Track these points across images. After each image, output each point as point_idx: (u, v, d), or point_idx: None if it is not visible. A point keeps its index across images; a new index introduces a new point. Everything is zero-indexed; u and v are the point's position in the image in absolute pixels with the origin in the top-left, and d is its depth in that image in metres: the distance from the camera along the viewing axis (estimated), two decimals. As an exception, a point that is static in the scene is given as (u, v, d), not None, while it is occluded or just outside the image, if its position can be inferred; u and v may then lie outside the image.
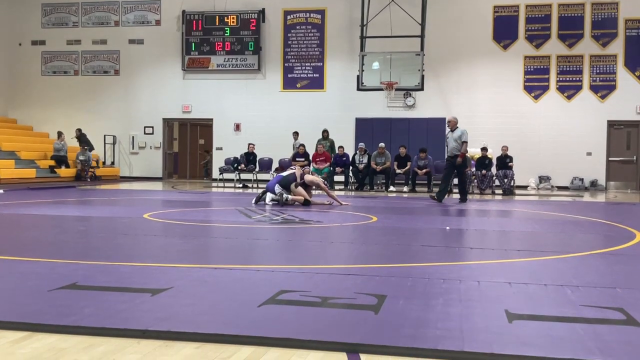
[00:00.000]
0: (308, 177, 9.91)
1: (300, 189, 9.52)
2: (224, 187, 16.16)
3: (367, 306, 2.88)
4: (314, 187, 10.04)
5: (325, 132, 16.46)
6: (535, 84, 17.70)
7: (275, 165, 16.98)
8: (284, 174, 9.91)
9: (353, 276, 3.68)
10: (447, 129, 11.40)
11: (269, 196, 9.53)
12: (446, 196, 11.37)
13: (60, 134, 18.34)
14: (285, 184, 9.49)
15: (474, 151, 15.95)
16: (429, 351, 2.27)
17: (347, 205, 9.56)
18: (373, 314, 2.75)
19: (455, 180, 12.20)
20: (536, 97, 17.70)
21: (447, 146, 11.38)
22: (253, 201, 9.78)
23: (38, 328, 2.50)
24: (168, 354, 2.24)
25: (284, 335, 2.41)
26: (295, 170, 9.93)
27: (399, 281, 3.50)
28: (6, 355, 2.21)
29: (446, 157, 11.51)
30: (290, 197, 9.39)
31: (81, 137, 18.41)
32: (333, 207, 9.47)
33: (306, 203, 9.46)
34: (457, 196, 11.74)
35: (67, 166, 17.93)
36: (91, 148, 18.21)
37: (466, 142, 10.97)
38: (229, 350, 2.29)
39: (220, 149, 19.17)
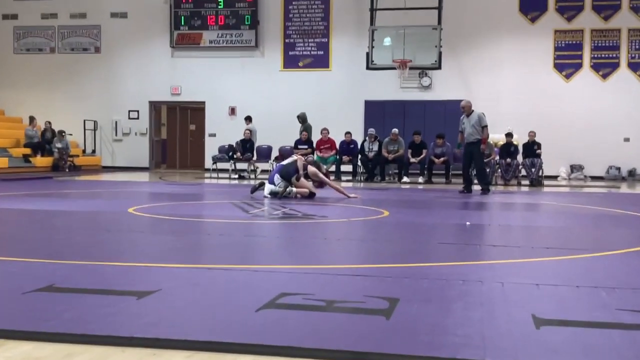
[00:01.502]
0: (311, 169, 9.93)
1: (303, 181, 9.53)
2: (217, 178, 16.18)
3: (377, 311, 2.89)
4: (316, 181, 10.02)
5: (299, 118, 16.42)
6: (566, 61, 17.62)
7: (275, 153, 16.98)
8: (284, 162, 9.91)
9: (362, 277, 3.69)
10: (462, 115, 11.50)
11: (267, 188, 9.53)
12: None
13: (32, 119, 18.37)
14: (286, 175, 9.49)
15: (497, 137, 15.92)
16: (447, 360, 2.27)
17: (355, 198, 9.57)
18: (384, 319, 2.75)
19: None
20: (568, 76, 17.63)
21: (461, 133, 11.48)
22: (250, 191, 9.86)
23: (11, 335, 2.51)
24: (156, 364, 2.25)
25: (285, 342, 2.42)
26: (297, 159, 9.92)
27: (414, 283, 3.51)
28: (-24, 365, 2.22)
29: (463, 144, 11.58)
30: (294, 189, 9.41)
31: (52, 132, 18.39)
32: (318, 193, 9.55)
33: (310, 195, 9.48)
34: (477, 187, 11.75)
35: (43, 154, 17.97)
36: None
37: (487, 127, 11.21)
38: (224, 359, 2.30)
39: (214, 135, 19.19)
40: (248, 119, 17.34)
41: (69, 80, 20.13)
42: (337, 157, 15.81)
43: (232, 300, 3.08)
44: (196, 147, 20.86)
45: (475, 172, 11.95)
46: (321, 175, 10.04)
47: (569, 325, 2.71)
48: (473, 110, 11.40)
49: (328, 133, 16.02)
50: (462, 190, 11.41)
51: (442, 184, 14.46)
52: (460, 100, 17.60)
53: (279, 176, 9.51)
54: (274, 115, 18.27)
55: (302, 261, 4.40)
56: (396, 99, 18.16)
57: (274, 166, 14.83)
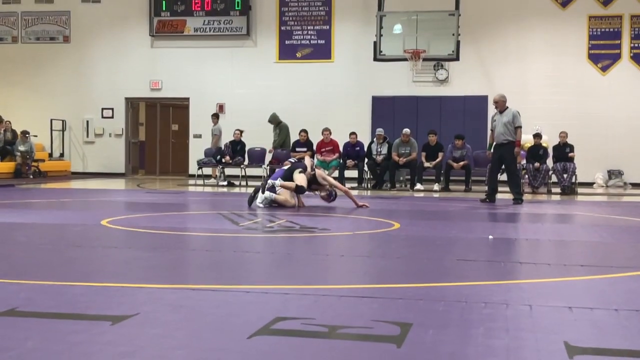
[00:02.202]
0: (318, 171, 9.99)
1: (302, 176, 9.51)
2: (203, 185, 16.18)
3: (387, 337, 2.89)
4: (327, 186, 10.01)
5: (271, 121, 16.49)
6: (602, 51, 17.64)
7: (269, 157, 16.97)
8: (285, 167, 9.95)
9: (369, 299, 3.69)
10: (494, 111, 11.49)
11: (261, 195, 9.55)
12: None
13: (-8, 117, 18.37)
14: (288, 176, 9.52)
15: (525, 138, 15.89)
16: (467, 395, 2.27)
17: (365, 208, 9.58)
18: (395, 347, 2.75)
19: (503, 176, 12.24)
20: (604, 69, 17.64)
21: (492, 132, 11.46)
22: (247, 202, 9.86)
23: (-32, 366, 2.51)
24: (133, 399, 2.24)
25: (281, 374, 2.42)
26: (306, 159, 10.02)
27: (428, 305, 3.51)
28: None
29: (493, 145, 11.58)
30: (279, 187, 9.38)
31: (14, 133, 18.37)
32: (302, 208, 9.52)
33: (299, 190, 9.45)
34: (500, 196, 11.74)
35: (4, 158, 17.95)
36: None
37: (521, 127, 11.18)
38: (211, 394, 2.30)
39: (199, 136, 19.19)
40: (215, 117, 17.28)
41: (33, 73, 20.14)
42: (341, 161, 15.80)
43: (220, 326, 3.07)
44: (179, 150, 20.85)
45: (507, 179, 11.79)
46: (329, 178, 10.11)
47: (607, 355, 2.71)
48: (507, 107, 11.26)
49: (330, 134, 16.02)
50: (483, 199, 11.38)
51: (461, 192, 14.45)
52: (481, 97, 17.61)
53: (281, 180, 9.52)
54: (267, 114, 18.25)
55: (300, 281, 4.39)
56: (408, 95, 18.16)
57: (270, 171, 14.83)
